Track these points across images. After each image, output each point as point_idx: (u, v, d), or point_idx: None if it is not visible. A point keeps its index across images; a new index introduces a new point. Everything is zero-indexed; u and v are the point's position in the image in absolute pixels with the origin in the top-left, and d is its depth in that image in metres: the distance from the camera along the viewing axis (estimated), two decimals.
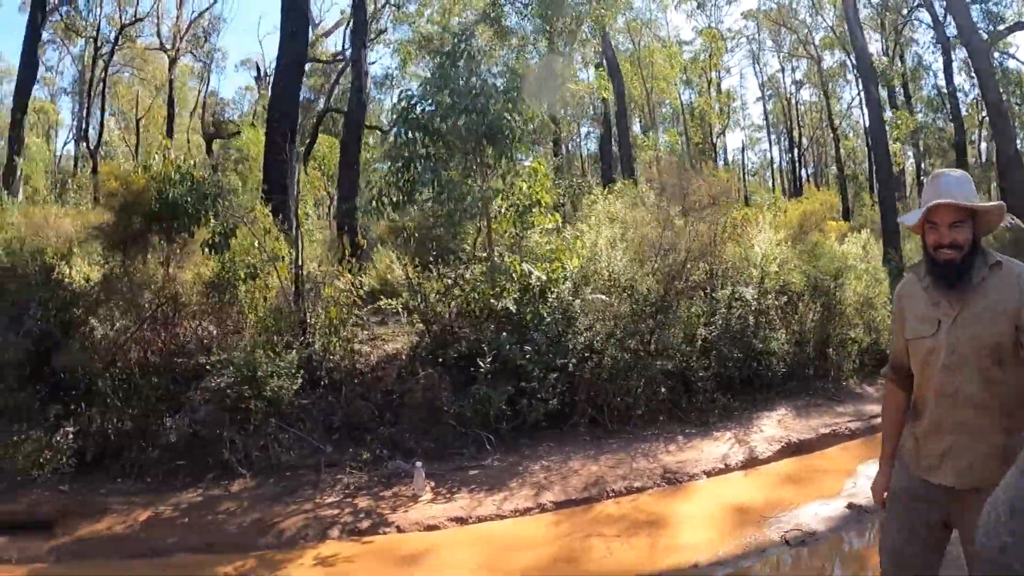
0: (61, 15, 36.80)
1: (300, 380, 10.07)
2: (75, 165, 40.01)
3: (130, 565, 7.61)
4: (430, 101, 11.39)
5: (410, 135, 11.31)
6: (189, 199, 10.94)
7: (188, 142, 40.07)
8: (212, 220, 11.13)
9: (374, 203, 11.69)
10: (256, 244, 11.20)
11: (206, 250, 10.98)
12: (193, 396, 10.14)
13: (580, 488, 9.01)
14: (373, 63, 40.17)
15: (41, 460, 9.48)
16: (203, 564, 7.53)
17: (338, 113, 33.89)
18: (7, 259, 11.30)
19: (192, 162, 11.90)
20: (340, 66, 35.46)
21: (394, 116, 11.99)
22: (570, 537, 7.89)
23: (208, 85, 46.62)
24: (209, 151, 38.22)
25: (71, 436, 9.77)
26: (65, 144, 54.85)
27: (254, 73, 46.29)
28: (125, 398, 10.02)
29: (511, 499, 8.75)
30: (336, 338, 11.00)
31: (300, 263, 11.19)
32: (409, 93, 11.84)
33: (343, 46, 36.45)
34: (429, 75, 12.40)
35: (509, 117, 11.18)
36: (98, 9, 38.42)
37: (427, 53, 33.15)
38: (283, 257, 11.26)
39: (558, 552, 7.57)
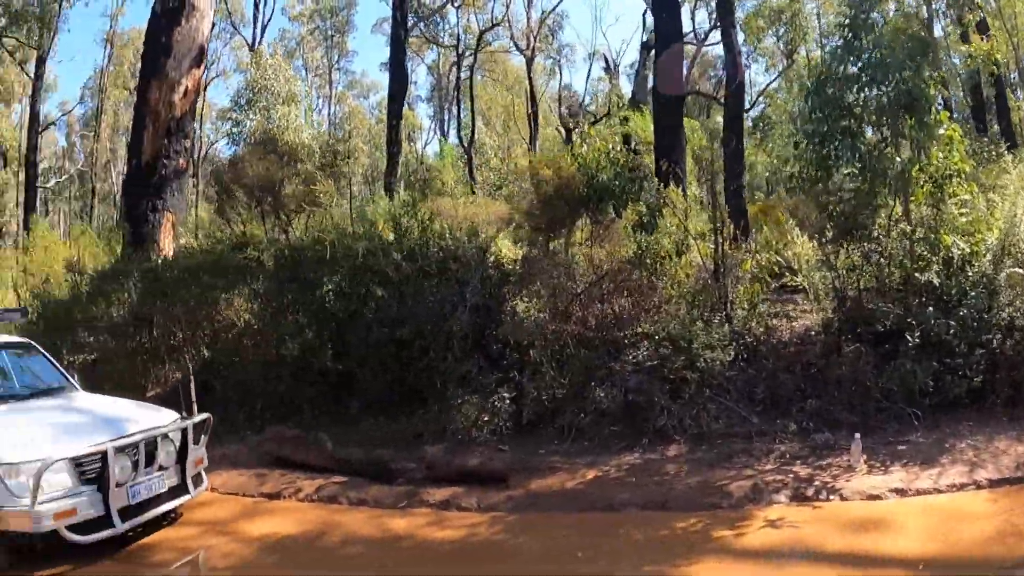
0: (420, 30, 39.82)
1: (732, 352, 10.40)
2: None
3: (586, 517, 8.25)
4: (839, 75, 11.27)
5: (823, 111, 11.25)
6: (617, 183, 11.55)
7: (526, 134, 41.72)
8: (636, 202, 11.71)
9: (793, 180, 11.79)
10: (676, 223, 11.63)
11: (636, 230, 11.56)
12: (616, 366, 10.74)
13: (1012, 467, 8.61)
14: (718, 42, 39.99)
15: (479, 422, 10.50)
16: (657, 519, 7.98)
17: (698, 95, 34.23)
18: (451, 242, 12.44)
19: (618, 148, 12.49)
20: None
21: (805, 93, 11.92)
22: (1011, 513, 7.60)
23: (561, 79, 48.68)
24: (568, 141, 39.72)
25: (507, 401, 10.69)
26: (426, 145, 59.12)
27: (603, 64, 47.59)
28: (558, 367, 10.78)
29: (945, 474, 8.53)
30: (754, 313, 11.23)
31: (721, 240, 11.49)
32: (817, 69, 11.80)
33: (692, 26, 36.63)
34: (834, 48, 12.23)
35: (923, 85, 10.87)
36: (453, 19, 41.34)
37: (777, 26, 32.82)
38: (704, 235, 11.63)
39: (1002, 527, 7.34)
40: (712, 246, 11.80)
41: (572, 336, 11.19)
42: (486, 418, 10.60)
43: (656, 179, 12.47)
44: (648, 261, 11.61)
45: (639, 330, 11.22)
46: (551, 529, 8.05)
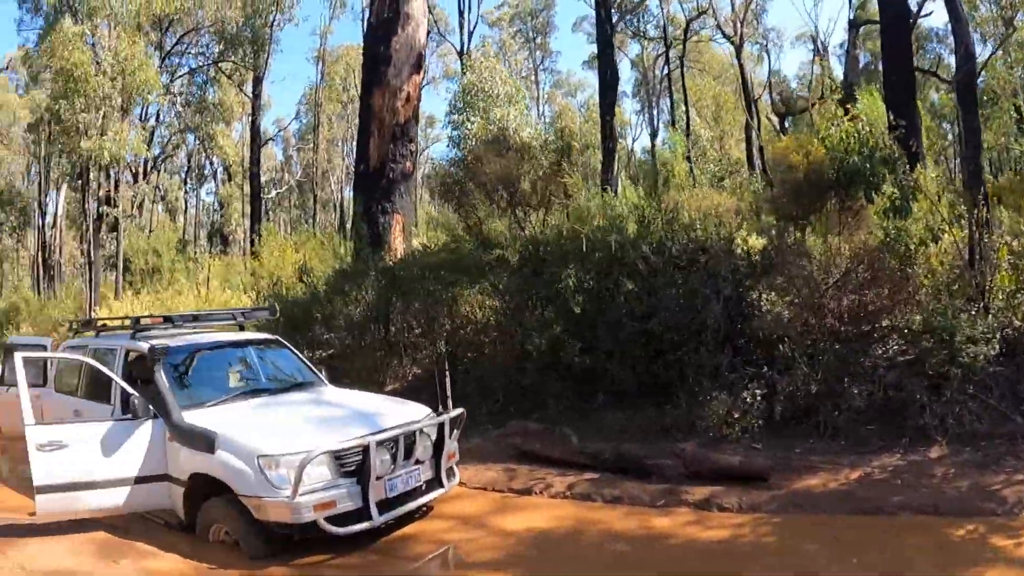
0: (623, 25, 39.92)
1: (998, 346, 9.87)
2: (652, 158, 42.54)
3: (855, 520, 7.97)
4: None
5: None
6: (868, 166, 11.21)
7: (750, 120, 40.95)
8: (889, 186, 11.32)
9: None
10: (928, 207, 11.20)
11: (889, 215, 11.17)
12: (868, 362, 10.42)
13: None
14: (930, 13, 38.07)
15: (729, 418, 10.40)
16: (930, 525, 7.66)
17: (926, 73, 32.94)
18: (702, 234, 12.52)
19: (869, 128, 12.11)
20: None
21: None
22: None
23: (769, 65, 47.80)
24: (783, 129, 38.92)
25: (758, 397, 10.51)
26: (634, 140, 59.35)
27: (811, 47, 46.44)
28: (810, 362, 10.54)
29: None
30: (1012, 303, 10.60)
31: (979, 225, 10.93)
32: None
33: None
34: None
35: None
36: (655, 11, 41.20)
37: None
38: (959, 219, 11.13)
39: None
40: (965, 231, 11.22)
41: (825, 329, 10.91)
42: (736, 415, 10.48)
43: (904, 161, 11.96)
44: (900, 249, 11.19)
45: (886, 323, 10.87)
46: (820, 531, 7.86)
